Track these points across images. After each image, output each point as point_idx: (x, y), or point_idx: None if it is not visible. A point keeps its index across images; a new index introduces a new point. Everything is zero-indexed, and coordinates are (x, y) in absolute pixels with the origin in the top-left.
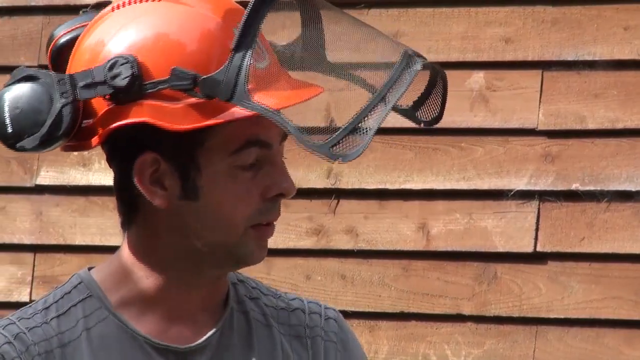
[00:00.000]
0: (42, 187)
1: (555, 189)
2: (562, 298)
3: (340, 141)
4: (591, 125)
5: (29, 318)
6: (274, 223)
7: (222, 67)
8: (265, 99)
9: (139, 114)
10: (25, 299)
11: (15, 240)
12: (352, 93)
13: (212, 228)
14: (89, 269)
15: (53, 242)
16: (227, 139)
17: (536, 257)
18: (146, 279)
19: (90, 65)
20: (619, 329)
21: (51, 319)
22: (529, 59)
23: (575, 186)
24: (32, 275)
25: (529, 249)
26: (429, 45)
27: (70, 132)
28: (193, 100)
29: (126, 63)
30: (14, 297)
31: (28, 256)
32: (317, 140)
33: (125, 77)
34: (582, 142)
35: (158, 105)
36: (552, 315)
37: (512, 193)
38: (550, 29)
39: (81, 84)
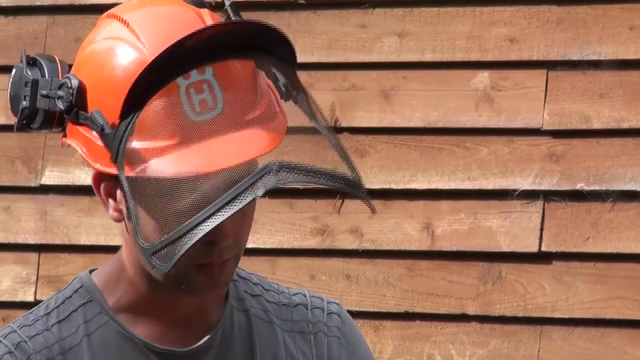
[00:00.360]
0: (46, 187)
1: (560, 188)
2: (567, 298)
3: (162, 250)
4: (596, 125)
5: (30, 325)
6: (228, 262)
7: (114, 128)
8: (148, 169)
9: (76, 138)
10: (30, 298)
11: (20, 240)
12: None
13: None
14: (91, 271)
15: (58, 241)
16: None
17: (541, 257)
18: (137, 284)
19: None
20: (624, 329)
21: (52, 325)
22: (534, 58)
23: (580, 186)
24: (37, 275)
25: (533, 248)
26: (434, 45)
27: (49, 124)
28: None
29: (69, 88)
30: (19, 297)
31: (33, 256)
32: (147, 241)
33: (65, 102)
34: (587, 142)
35: (89, 138)
36: (556, 315)
37: (516, 193)
38: (555, 29)
39: (42, 92)
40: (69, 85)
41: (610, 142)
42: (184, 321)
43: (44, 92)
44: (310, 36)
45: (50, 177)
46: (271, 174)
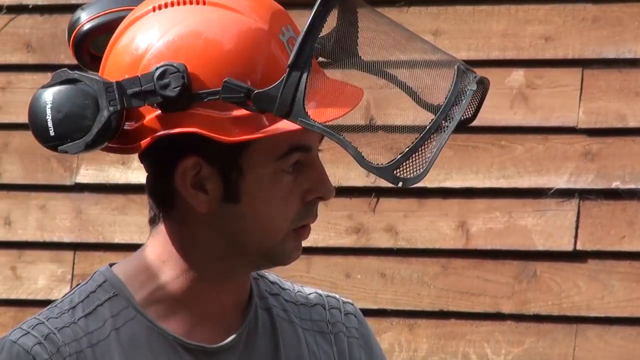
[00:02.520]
0: (81, 186)
1: (595, 187)
2: (603, 296)
3: (403, 164)
4: (632, 124)
5: (57, 318)
6: (310, 225)
7: (277, 82)
8: (320, 114)
9: (188, 124)
10: None
11: (55, 238)
12: (394, 94)
13: (252, 230)
14: (110, 265)
15: (92, 240)
16: (271, 145)
17: (576, 256)
18: (176, 278)
19: (132, 71)
20: None
21: (79, 319)
22: (569, 57)
23: (615, 184)
24: (72, 274)
25: (568, 247)
26: (469, 43)
27: (114, 136)
28: (241, 111)
29: (176, 72)
30: (54, 295)
31: (68, 254)
32: (379, 161)
33: (176, 87)
34: (622, 140)
35: (207, 114)
36: (592, 314)
37: (552, 191)
38: (591, 27)
39: (129, 92)
40: (174, 70)
41: None
42: (212, 317)
43: (134, 89)
44: None
45: (86, 175)
46: (465, 71)
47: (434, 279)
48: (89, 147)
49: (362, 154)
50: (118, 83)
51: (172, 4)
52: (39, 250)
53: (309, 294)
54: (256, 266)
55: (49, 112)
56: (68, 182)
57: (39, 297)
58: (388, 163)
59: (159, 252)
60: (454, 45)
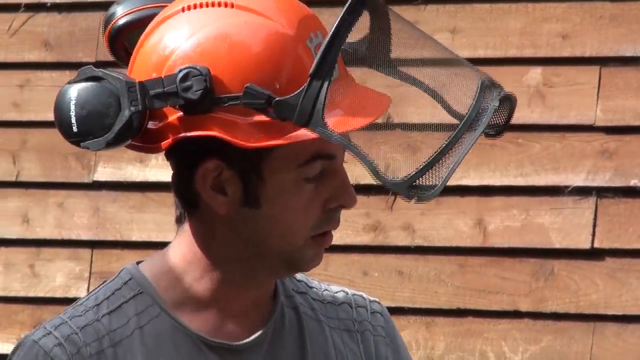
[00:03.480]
0: (99, 183)
1: (613, 185)
2: (620, 295)
3: (418, 180)
4: None
5: (81, 315)
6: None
7: (298, 91)
8: (341, 124)
9: (209, 127)
10: (83, 294)
11: (73, 236)
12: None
13: (272, 236)
14: (137, 263)
15: (110, 238)
16: (294, 152)
17: (594, 254)
18: (200, 278)
19: (158, 71)
20: None
21: (102, 316)
22: (587, 55)
23: (633, 182)
24: (90, 271)
25: (586, 245)
26: (486, 41)
27: (136, 135)
28: (263, 117)
29: (199, 76)
30: (72, 293)
31: (86, 252)
32: (394, 175)
33: (198, 91)
34: None
35: (228, 119)
36: (609, 312)
37: (569, 189)
38: (608, 25)
39: (152, 92)
40: (197, 73)
41: None
42: (236, 316)
43: (157, 90)
44: None
45: (103, 173)
46: (489, 86)
47: (451, 277)
48: (110, 144)
49: (377, 168)
50: (141, 83)
51: (201, 5)
52: (57, 248)
53: (336, 292)
54: (276, 272)
55: (72, 108)
56: (86, 180)
57: (57, 294)
58: (403, 178)
59: (183, 251)
60: (471, 43)
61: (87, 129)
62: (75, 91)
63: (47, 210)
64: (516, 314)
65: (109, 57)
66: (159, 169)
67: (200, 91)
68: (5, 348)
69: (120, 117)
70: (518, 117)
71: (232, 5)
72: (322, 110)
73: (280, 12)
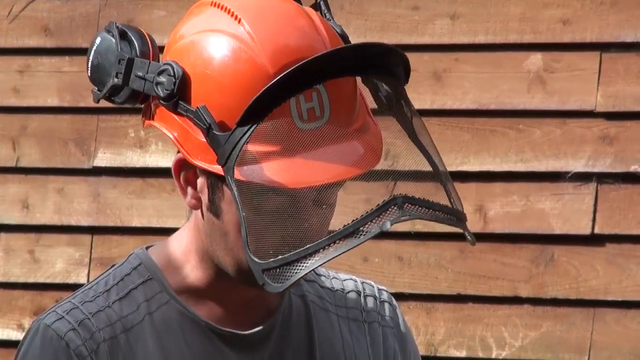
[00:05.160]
0: (99, 169)
1: (613, 170)
2: (620, 280)
3: (276, 269)
4: None
5: (92, 301)
6: None
7: (227, 132)
8: (253, 175)
9: (172, 127)
10: (83, 280)
11: (73, 222)
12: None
13: (220, 249)
14: (147, 247)
15: (110, 223)
16: None
17: (594, 239)
18: (198, 269)
19: (167, 49)
20: None
21: (113, 302)
22: (587, 40)
23: (633, 168)
24: (90, 257)
25: (586, 231)
26: (487, 27)
27: (133, 100)
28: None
29: (172, 76)
30: (72, 279)
31: (86, 238)
32: (258, 256)
33: (165, 90)
34: None
35: (186, 127)
36: (609, 298)
37: (569, 175)
38: (609, 10)
39: (136, 73)
40: (172, 72)
41: None
42: (244, 305)
43: (139, 73)
44: (363, 18)
45: (103, 159)
46: (396, 207)
47: (452, 263)
48: (107, 100)
49: (248, 240)
50: (130, 60)
51: (222, 8)
52: (57, 233)
53: (344, 280)
54: (240, 284)
55: (92, 54)
56: (86, 166)
57: (57, 280)
58: (261, 260)
59: (188, 240)
60: (472, 29)
61: (94, 78)
62: (99, 39)
63: (47, 196)
64: (516, 300)
65: None
66: (158, 155)
67: (167, 92)
68: (6, 334)
69: (108, 83)
70: (518, 103)
71: (240, 22)
72: (234, 160)
73: (278, 47)
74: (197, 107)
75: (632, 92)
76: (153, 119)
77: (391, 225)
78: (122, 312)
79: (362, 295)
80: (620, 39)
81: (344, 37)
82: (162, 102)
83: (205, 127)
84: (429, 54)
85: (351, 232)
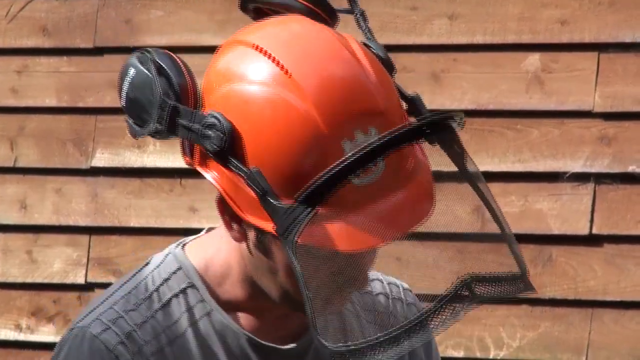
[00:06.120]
0: (97, 169)
1: (611, 171)
2: (618, 281)
3: (345, 354)
4: None
5: (135, 310)
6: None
7: (286, 205)
8: (312, 254)
9: (219, 179)
10: (81, 280)
11: (71, 222)
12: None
13: (273, 283)
14: (182, 244)
15: (108, 224)
16: None
17: (592, 240)
18: (236, 285)
19: (205, 93)
20: None
21: (156, 312)
22: (586, 40)
23: (631, 168)
24: (88, 257)
25: (584, 231)
26: (485, 27)
27: (168, 137)
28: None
29: (221, 133)
30: (70, 279)
31: (84, 238)
32: (326, 338)
33: (214, 146)
34: (638, 125)
35: (235, 180)
36: (608, 298)
37: (567, 175)
38: (607, 10)
39: (180, 121)
40: (220, 128)
41: None
42: (282, 317)
43: (184, 122)
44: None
45: (101, 159)
46: (467, 290)
47: (449, 263)
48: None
49: (317, 322)
50: (174, 107)
51: (268, 55)
52: (55, 234)
53: (371, 280)
54: (279, 306)
55: (126, 85)
56: (84, 166)
57: (55, 280)
58: (330, 345)
59: (228, 253)
60: (470, 29)
61: (129, 109)
62: (134, 70)
63: (45, 196)
64: (514, 300)
65: (107, 43)
66: (157, 155)
67: (216, 148)
68: (3, 334)
69: (147, 126)
70: (516, 103)
71: (290, 76)
72: (295, 235)
73: (331, 100)
74: (250, 170)
75: (630, 92)
76: (196, 161)
77: (464, 313)
78: (165, 322)
79: (389, 297)
80: (619, 39)
81: (387, 62)
82: (209, 154)
83: (259, 192)
84: (427, 54)
85: (423, 323)
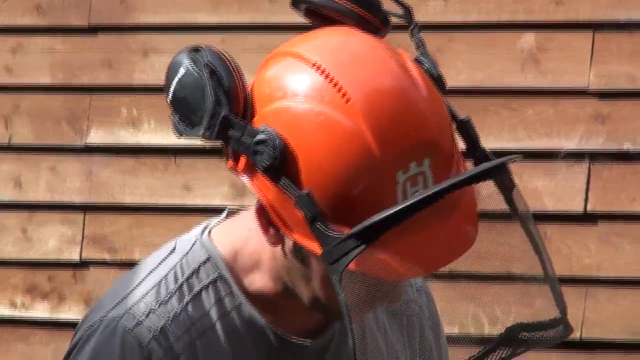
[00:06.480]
0: (91, 148)
1: (606, 149)
2: (613, 258)
3: None
4: None
5: (166, 302)
6: None
7: (338, 235)
8: (357, 286)
9: (266, 189)
10: (76, 258)
11: (65, 200)
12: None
13: (305, 287)
14: (208, 230)
15: (103, 202)
16: None
17: (586, 218)
18: (265, 280)
19: (258, 104)
20: None
21: (187, 304)
22: (580, 19)
23: (626, 146)
24: (83, 235)
25: (579, 209)
26: (480, 6)
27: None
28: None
29: (272, 151)
30: (65, 256)
31: (78, 216)
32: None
33: (263, 163)
34: (633, 103)
35: (283, 196)
36: (602, 276)
37: (562, 154)
38: None
39: (230, 132)
40: (273, 145)
41: None
42: (305, 313)
43: (235, 133)
44: None
45: (96, 137)
46: (512, 341)
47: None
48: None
49: (357, 352)
50: (225, 118)
51: (327, 77)
52: (50, 211)
53: None
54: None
55: (175, 82)
56: (78, 144)
57: (50, 257)
58: None
59: (259, 247)
60: (464, 9)
61: (175, 108)
62: (185, 69)
63: (39, 174)
64: (509, 278)
65: (101, 22)
66: (151, 134)
67: (266, 165)
68: None
69: (196, 129)
70: (511, 82)
71: (347, 101)
72: (344, 266)
73: (387, 129)
74: (301, 192)
75: (625, 71)
76: (240, 169)
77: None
78: (196, 315)
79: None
80: (613, 18)
81: (439, 80)
82: (258, 169)
83: (309, 216)
84: (422, 33)
85: None
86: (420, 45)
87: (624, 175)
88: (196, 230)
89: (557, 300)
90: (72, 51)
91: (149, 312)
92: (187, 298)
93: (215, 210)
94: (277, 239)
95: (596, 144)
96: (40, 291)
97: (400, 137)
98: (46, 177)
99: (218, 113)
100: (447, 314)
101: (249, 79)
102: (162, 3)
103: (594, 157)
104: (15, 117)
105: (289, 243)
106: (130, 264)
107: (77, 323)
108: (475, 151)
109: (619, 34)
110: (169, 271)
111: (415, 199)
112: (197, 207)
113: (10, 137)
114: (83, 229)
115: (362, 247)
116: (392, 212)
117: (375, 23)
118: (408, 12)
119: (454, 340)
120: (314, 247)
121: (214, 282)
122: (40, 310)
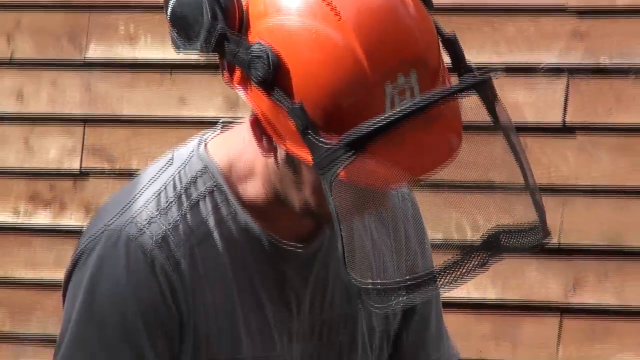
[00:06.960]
0: (90, 62)
1: (584, 64)
2: (590, 168)
3: (373, 292)
4: (620, 3)
5: (166, 211)
6: None
7: (328, 144)
8: (356, 176)
9: (259, 104)
10: (76, 167)
11: (65, 112)
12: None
13: (297, 195)
14: (204, 142)
15: (101, 113)
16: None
17: (565, 130)
18: (259, 188)
19: (253, 20)
20: None
21: (185, 213)
22: None
23: (603, 59)
24: (82, 145)
25: (558, 121)
26: None
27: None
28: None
29: (267, 65)
30: (65, 166)
31: (78, 127)
32: (356, 274)
33: (258, 75)
34: (611, 21)
35: (277, 106)
36: (580, 184)
37: (542, 68)
38: None
39: (227, 46)
40: (267, 59)
41: (635, 20)
42: (296, 220)
43: (231, 47)
44: None
45: (95, 52)
46: (495, 242)
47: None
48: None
49: (346, 256)
50: (222, 32)
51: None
52: (51, 123)
53: None
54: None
55: (173, 1)
56: (78, 59)
57: (51, 167)
58: (359, 282)
59: (253, 157)
60: None
61: (174, 24)
62: None
63: (40, 87)
64: (491, 187)
65: None
66: (147, 49)
67: (260, 78)
68: (2, 219)
69: (194, 44)
70: (493, 0)
71: (339, 18)
72: (334, 173)
73: (377, 45)
74: (294, 104)
75: None
76: (235, 81)
77: (493, 261)
78: (194, 222)
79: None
80: None
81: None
82: (254, 83)
83: (301, 126)
84: None
85: (452, 270)
86: None
87: (601, 88)
88: (193, 143)
89: (536, 206)
90: None
91: (151, 221)
92: (185, 207)
93: (209, 122)
94: (270, 149)
95: (575, 59)
96: (42, 199)
97: (389, 52)
98: (47, 90)
99: (215, 28)
100: (431, 221)
101: None
102: None
103: (573, 71)
104: (17, 33)
105: (281, 152)
106: (127, 174)
107: (78, 230)
108: (460, 66)
109: None
110: (168, 181)
111: (402, 109)
112: (192, 119)
113: (12, 52)
114: (83, 139)
115: (352, 155)
116: (380, 121)
117: None
118: None
119: (437, 246)
120: (306, 155)
121: (210, 191)
122: (42, 217)
